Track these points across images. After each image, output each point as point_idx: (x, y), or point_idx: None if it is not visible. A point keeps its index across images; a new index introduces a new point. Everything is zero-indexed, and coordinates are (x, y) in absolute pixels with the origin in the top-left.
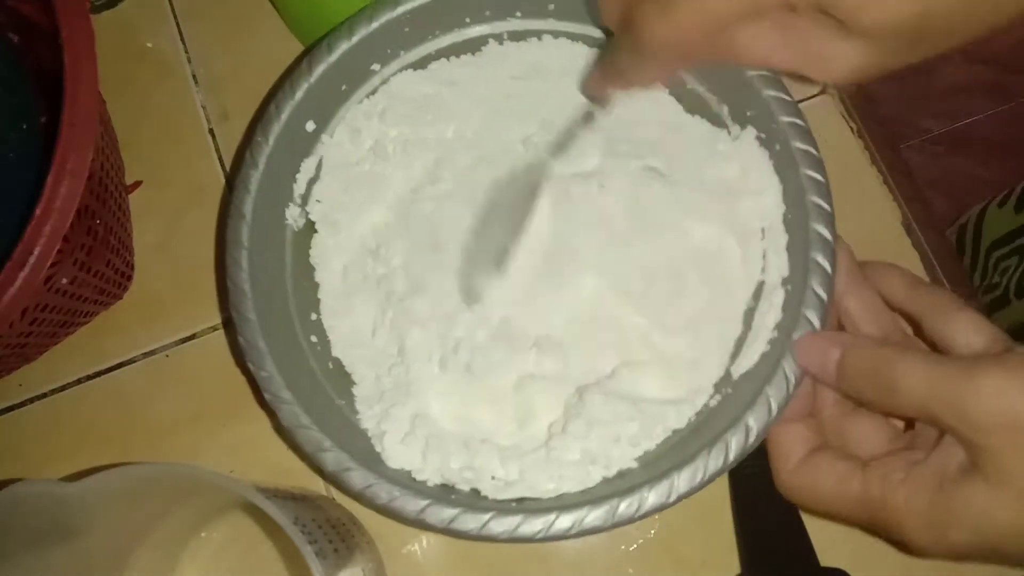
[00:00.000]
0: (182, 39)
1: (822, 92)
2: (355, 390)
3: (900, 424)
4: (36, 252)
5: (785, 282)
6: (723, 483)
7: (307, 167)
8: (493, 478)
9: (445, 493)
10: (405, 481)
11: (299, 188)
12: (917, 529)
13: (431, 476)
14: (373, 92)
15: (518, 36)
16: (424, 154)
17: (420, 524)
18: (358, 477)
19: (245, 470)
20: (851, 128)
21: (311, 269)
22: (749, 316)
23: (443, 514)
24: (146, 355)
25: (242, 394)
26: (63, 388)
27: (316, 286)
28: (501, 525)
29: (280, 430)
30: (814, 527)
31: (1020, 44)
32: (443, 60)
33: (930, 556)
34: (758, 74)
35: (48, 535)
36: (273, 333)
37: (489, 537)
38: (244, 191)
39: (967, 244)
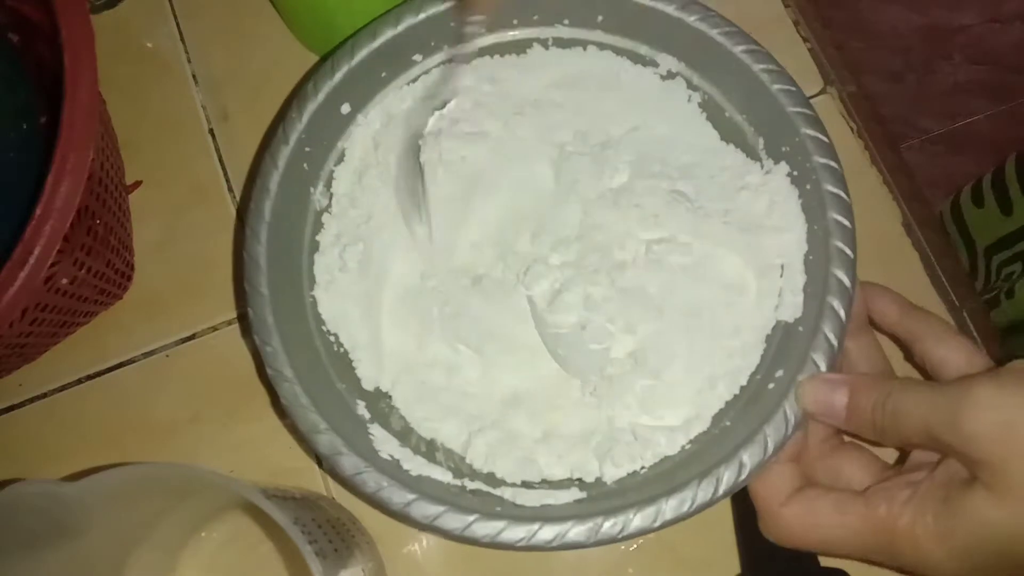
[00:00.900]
0: (182, 39)
1: (822, 92)
2: (357, 372)
3: (886, 459)
4: (36, 252)
5: (797, 323)
6: None
7: (338, 149)
8: (472, 467)
9: (437, 489)
10: (396, 473)
11: (327, 168)
12: (930, 545)
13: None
14: (413, 81)
15: (564, 44)
16: (453, 145)
17: (405, 518)
18: (349, 463)
19: (245, 470)
20: (851, 128)
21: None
22: (757, 352)
23: (428, 510)
24: (146, 355)
25: (242, 394)
26: (63, 388)
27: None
28: (484, 528)
29: (282, 417)
30: None
31: (1020, 44)
32: (486, 58)
33: (948, 573)
34: (798, 111)
35: (48, 535)
36: (283, 310)
37: (471, 539)
38: (272, 166)
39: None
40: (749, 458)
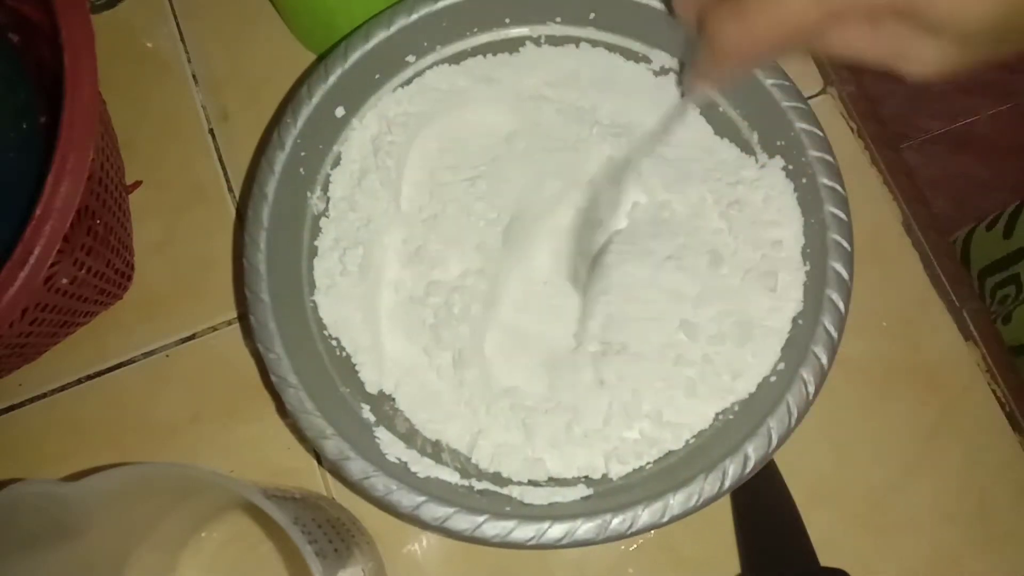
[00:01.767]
0: (182, 39)
1: (822, 92)
2: (360, 376)
3: None
4: (36, 252)
5: (797, 316)
6: None
7: (333, 153)
8: (479, 468)
9: (446, 491)
10: (404, 476)
11: (324, 172)
12: None
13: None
14: (407, 83)
15: (556, 41)
16: (449, 146)
17: (414, 520)
18: (356, 467)
19: (245, 470)
20: (851, 128)
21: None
22: (757, 347)
23: (437, 512)
24: (146, 355)
25: (242, 394)
26: (63, 388)
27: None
28: (494, 528)
29: (284, 417)
30: (814, 527)
31: None
32: (479, 57)
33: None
34: (792, 105)
35: (48, 535)
36: (284, 316)
37: (481, 540)
38: (268, 171)
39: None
40: (754, 451)
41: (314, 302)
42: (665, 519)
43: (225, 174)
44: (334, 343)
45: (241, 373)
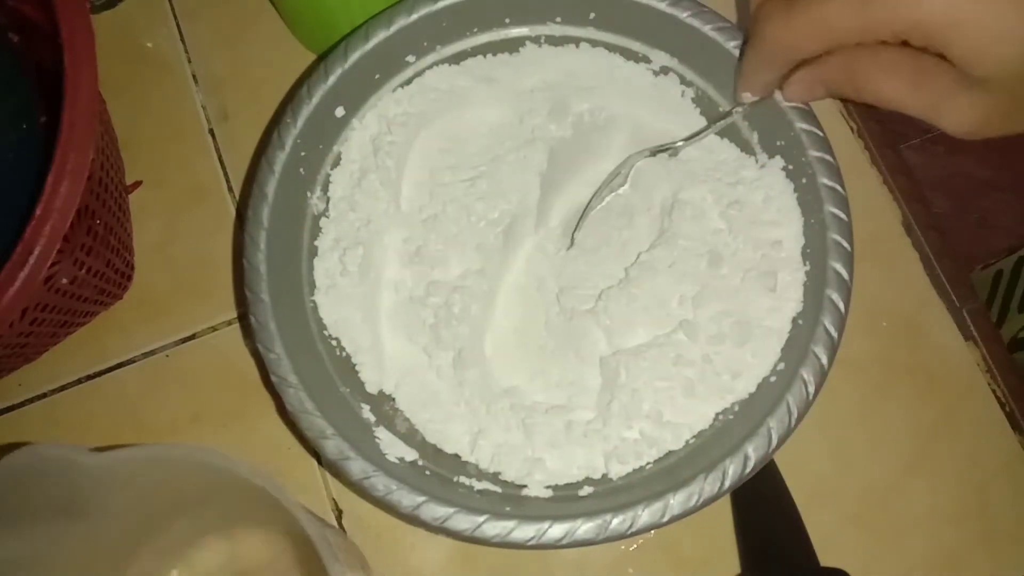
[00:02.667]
0: (182, 39)
1: None
2: (361, 376)
3: None
4: (36, 252)
5: (798, 316)
6: None
7: (333, 153)
8: (479, 468)
9: (446, 491)
10: (403, 476)
11: (324, 172)
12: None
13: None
14: (407, 83)
15: (556, 41)
16: (449, 146)
17: (414, 520)
18: (356, 467)
19: None
20: (851, 128)
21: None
22: (757, 347)
23: (437, 512)
24: (146, 355)
25: (242, 394)
26: (63, 388)
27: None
28: (494, 528)
29: (284, 416)
30: (814, 527)
31: None
32: (479, 57)
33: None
34: (792, 106)
35: (57, 507)
36: (284, 316)
37: (481, 540)
38: (268, 172)
39: (1000, 290)
40: (754, 451)
41: (314, 302)
42: (665, 519)
43: (225, 174)
44: (334, 343)
45: (241, 373)
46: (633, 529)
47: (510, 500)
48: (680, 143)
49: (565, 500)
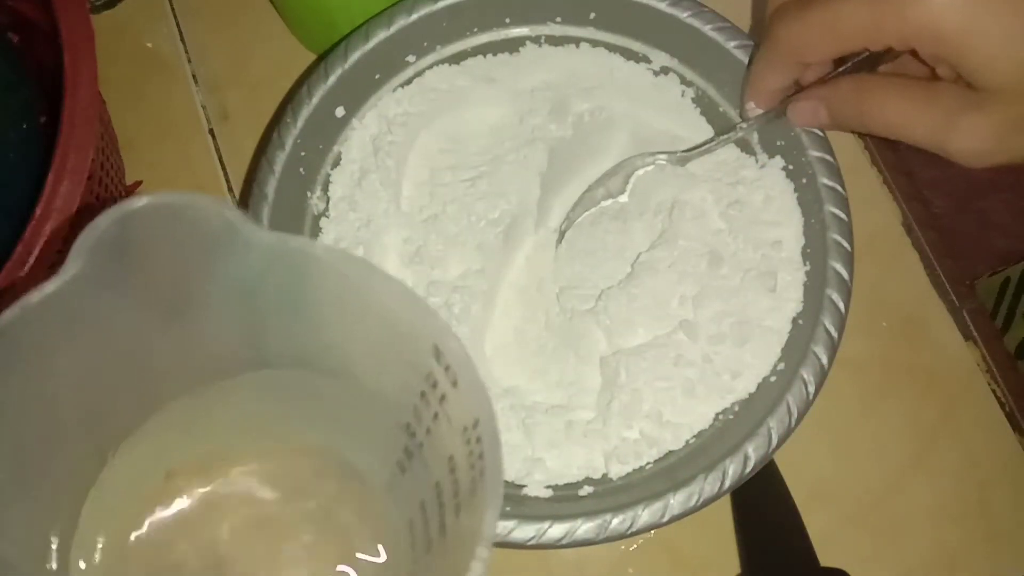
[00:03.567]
0: (182, 39)
1: None
2: None
3: None
4: (36, 252)
5: (798, 316)
6: None
7: (333, 153)
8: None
9: None
10: None
11: (324, 172)
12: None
13: None
14: (407, 83)
15: (556, 41)
16: (449, 146)
17: None
18: None
19: None
20: None
21: None
22: (757, 347)
23: None
24: None
25: None
26: None
27: None
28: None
29: None
30: (814, 527)
31: None
32: (479, 57)
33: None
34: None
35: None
36: None
37: None
38: (268, 172)
39: (1007, 297)
40: (754, 451)
41: None
42: (665, 519)
43: (225, 174)
44: None
45: None
46: (633, 529)
47: (510, 500)
48: (680, 153)
49: (565, 500)
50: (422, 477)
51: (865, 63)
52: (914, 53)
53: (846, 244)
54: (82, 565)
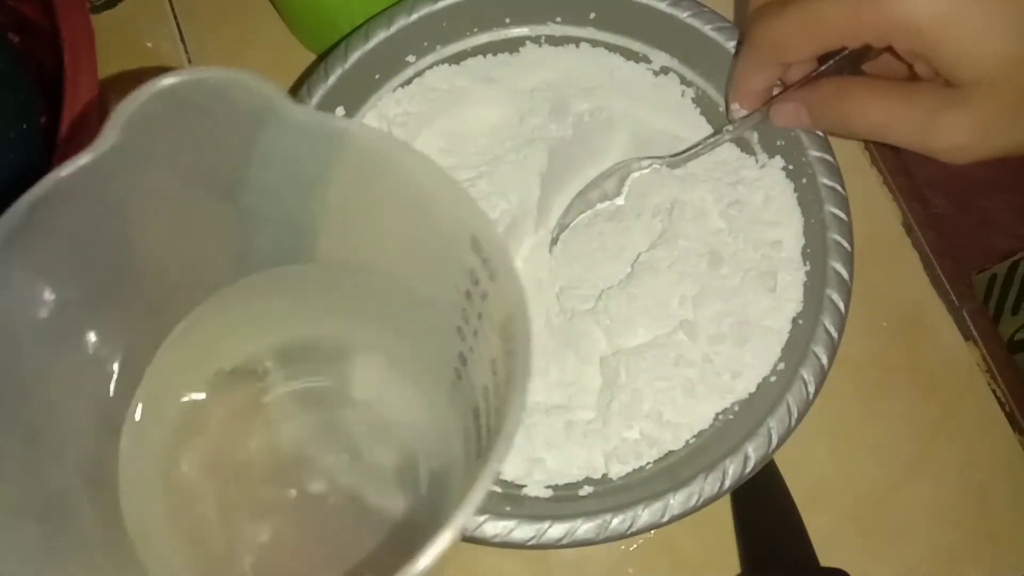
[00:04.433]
0: (182, 39)
1: None
2: None
3: None
4: None
5: (798, 316)
6: None
7: None
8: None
9: None
10: None
11: None
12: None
13: None
14: (407, 83)
15: (556, 41)
16: (449, 146)
17: None
18: None
19: None
20: None
21: None
22: (757, 347)
23: None
24: None
25: None
26: None
27: None
28: (494, 528)
29: None
30: (814, 527)
31: None
32: (479, 57)
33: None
34: None
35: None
36: None
37: (481, 539)
38: None
39: (994, 294)
40: (754, 451)
41: None
42: (665, 519)
43: None
44: None
45: None
46: (633, 529)
47: (510, 500)
48: (670, 158)
49: (565, 500)
50: (475, 382)
51: (847, 60)
52: (892, 51)
53: (846, 244)
54: (138, 416)
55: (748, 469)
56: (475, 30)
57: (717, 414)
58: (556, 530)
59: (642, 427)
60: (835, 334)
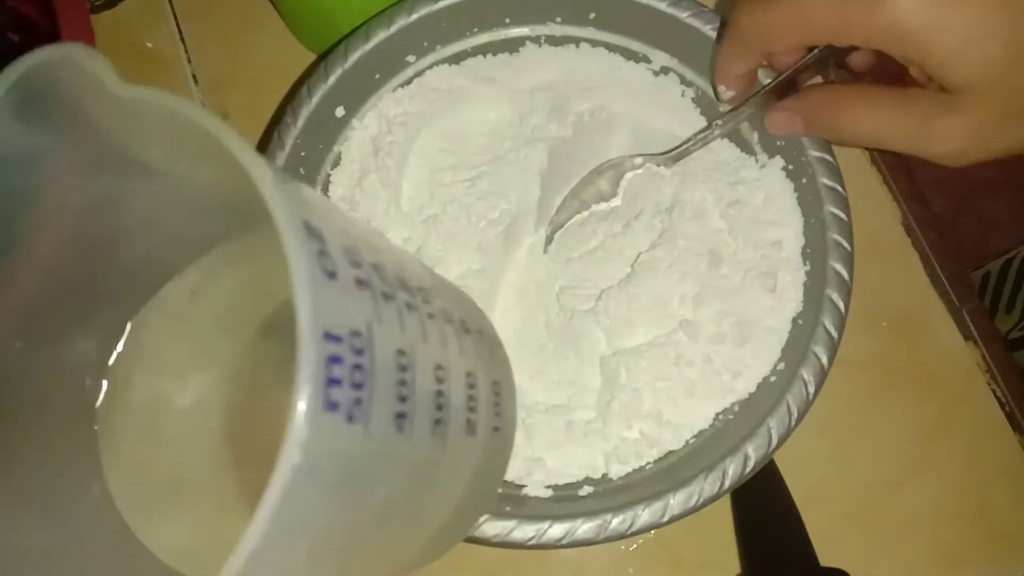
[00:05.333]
0: (182, 39)
1: None
2: None
3: None
4: None
5: (798, 316)
6: None
7: (333, 153)
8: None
9: None
10: None
11: (324, 172)
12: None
13: None
14: (407, 83)
15: (556, 41)
16: (449, 146)
17: None
18: None
19: None
20: None
21: None
22: (757, 347)
23: None
24: None
25: None
26: None
27: None
28: (494, 528)
29: None
30: (814, 527)
31: None
32: (479, 57)
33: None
34: None
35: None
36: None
37: (481, 539)
38: None
39: (988, 292)
40: (754, 451)
41: None
42: (665, 519)
43: None
44: None
45: None
46: (633, 529)
47: (510, 500)
48: (662, 155)
49: (565, 500)
50: None
51: (833, 50)
52: (880, 53)
53: (846, 244)
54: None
55: (748, 469)
56: (475, 30)
57: (717, 414)
58: (556, 530)
59: (642, 427)
60: (835, 334)
